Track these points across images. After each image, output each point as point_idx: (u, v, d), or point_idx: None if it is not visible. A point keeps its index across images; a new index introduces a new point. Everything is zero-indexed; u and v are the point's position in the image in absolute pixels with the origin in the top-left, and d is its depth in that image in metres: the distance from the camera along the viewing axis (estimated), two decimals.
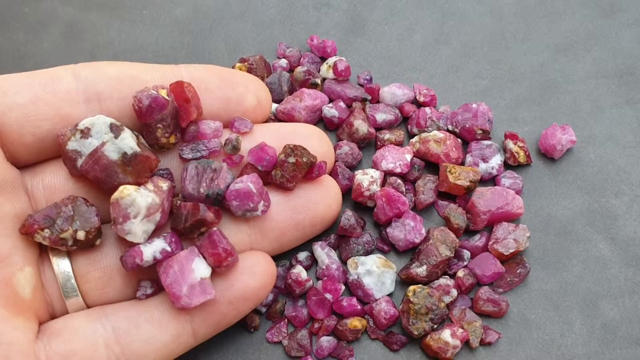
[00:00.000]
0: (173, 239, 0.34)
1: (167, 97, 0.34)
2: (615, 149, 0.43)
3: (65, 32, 0.49)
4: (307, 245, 0.41)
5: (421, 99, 0.44)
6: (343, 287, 0.39)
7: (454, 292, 0.38)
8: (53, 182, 0.35)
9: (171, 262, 0.33)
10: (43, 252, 0.35)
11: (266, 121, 0.40)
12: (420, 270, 0.38)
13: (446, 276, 0.39)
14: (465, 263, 0.39)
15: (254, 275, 0.35)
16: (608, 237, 0.41)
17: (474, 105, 0.43)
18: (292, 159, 0.36)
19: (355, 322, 0.38)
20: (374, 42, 0.48)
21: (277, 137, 0.37)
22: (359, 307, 0.39)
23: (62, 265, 0.34)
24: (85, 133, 0.33)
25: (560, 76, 0.46)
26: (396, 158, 0.41)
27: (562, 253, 0.40)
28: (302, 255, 0.40)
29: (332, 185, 0.38)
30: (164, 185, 0.34)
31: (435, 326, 0.37)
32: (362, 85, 0.45)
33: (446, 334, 0.37)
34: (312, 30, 0.48)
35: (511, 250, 0.39)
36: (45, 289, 0.34)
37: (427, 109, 0.43)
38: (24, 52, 0.48)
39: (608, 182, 0.42)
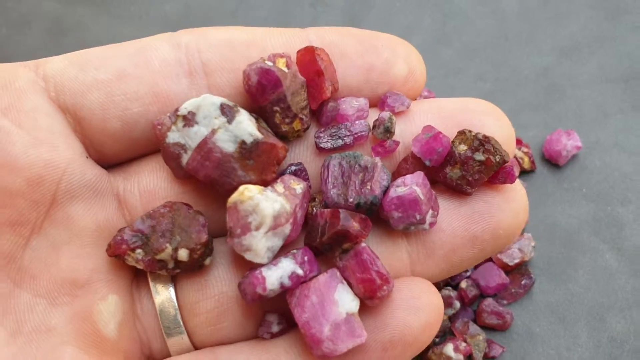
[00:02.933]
0: (306, 258, 0.25)
1: (284, 69, 0.25)
2: (622, 156, 0.42)
3: (50, 27, 0.47)
4: None
5: None
6: None
7: (457, 304, 0.37)
8: (153, 186, 0.27)
9: (307, 290, 0.24)
10: (140, 274, 0.27)
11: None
12: None
13: (448, 287, 0.37)
14: (468, 273, 0.38)
15: (416, 311, 0.25)
16: (614, 246, 0.39)
17: None
18: (480, 156, 0.26)
19: None
20: None
21: (440, 116, 0.27)
22: None
23: (163, 292, 0.26)
24: (189, 119, 0.25)
25: (565, 80, 0.44)
26: None
27: (567, 263, 0.39)
28: None
29: (517, 186, 0.27)
30: (298, 187, 0.25)
31: (437, 340, 0.36)
32: None
33: (449, 348, 0.35)
34: (307, 28, 0.46)
35: (516, 261, 0.38)
36: (140, 323, 0.27)
37: None
38: (6, 48, 0.46)
39: (614, 190, 0.41)
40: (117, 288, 0.26)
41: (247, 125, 0.25)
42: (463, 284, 0.37)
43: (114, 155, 0.27)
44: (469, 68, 0.45)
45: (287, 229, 0.24)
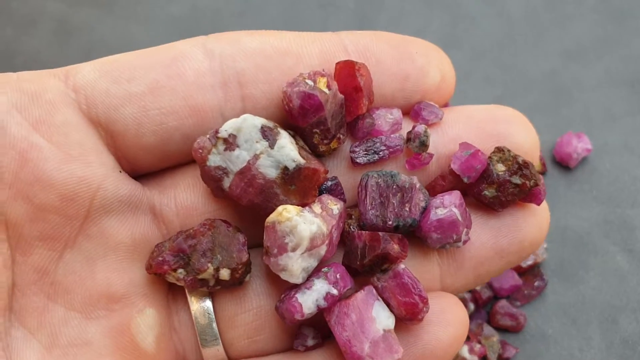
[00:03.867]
0: (338, 275, 0.25)
1: (326, 91, 0.25)
2: (631, 158, 0.42)
3: (56, 28, 0.47)
4: None
5: None
6: None
7: (471, 306, 0.37)
8: (190, 201, 0.26)
9: (347, 308, 0.24)
10: (176, 285, 0.27)
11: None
12: None
13: None
14: None
15: (446, 325, 0.26)
16: (625, 248, 0.40)
17: None
18: (517, 180, 0.26)
19: None
20: None
21: (470, 126, 0.27)
22: None
23: (200, 304, 0.26)
24: (230, 142, 0.25)
25: (572, 83, 0.45)
26: None
27: (579, 265, 0.39)
28: None
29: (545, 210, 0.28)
30: (335, 207, 0.25)
31: None
32: None
33: (464, 350, 0.35)
34: (317, 30, 0.46)
35: (529, 263, 0.38)
36: (177, 335, 0.27)
37: None
38: (12, 49, 0.46)
39: (624, 192, 0.41)
40: (154, 301, 0.26)
41: (289, 150, 0.25)
42: (477, 286, 0.37)
43: (147, 167, 0.27)
44: (477, 71, 0.45)
45: (322, 250, 0.25)
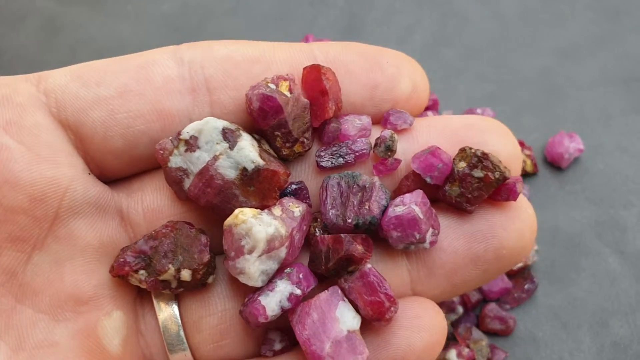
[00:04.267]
0: (301, 275, 0.25)
1: (286, 94, 0.25)
2: (624, 159, 0.41)
3: (44, 26, 0.46)
4: None
5: None
6: None
7: (459, 309, 0.36)
8: (156, 204, 0.26)
9: (309, 307, 0.24)
10: (144, 290, 0.27)
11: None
12: None
13: None
14: None
15: (419, 330, 0.25)
16: (617, 250, 0.39)
17: (479, 111, 0.41)
18: (478, 173, 0.25)
19: None
20: (372, 42, 0.45)
21: (444, 134, 0.27)
22: None
23: (166, 309, 0.26)
24: (191, 144, 0.25)
25: (566, 82, 0.44)
26: None
27: (570, 267, 0.39)
28: None
29: (524, 204, 0.27)
30: (297, 209, 0.25)
31: None
32: None
33: (452, 354, 0.35)
34: (307, 28, 0.46)
35: (519, 265, 0.37)
36: (143, 339, 0.27)
37: (430, 113, 0.41)
38: (0, 46, 0.45)
39: (617, 193, 0.40)
40: (121, 304, 0.26)
41: (248, 152, 0.25)
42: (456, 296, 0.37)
43: (115, 172, 0.27)
44: (470, 69, 0.45)
45: (282, 252, 0.24)
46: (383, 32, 0.46)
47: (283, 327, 0.26)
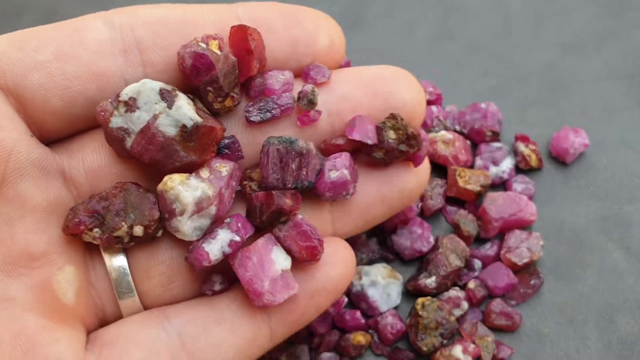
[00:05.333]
0: (239, 224, 0.28)
1: (217, 52, 0.27)
2: (629, 154, 0.41)
3: (41, 19, 0.46)
4: None
5: (427, 97, 0.41)
6: (346, 299, 0.36)
7: (465, 305, 0.36)
8: (97, 163, 0.28)
9: (249, 252, 0.28)
10: (92, 245, 0.29)
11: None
12: (430, 281, 0.36)
13: (456, 287, 0.36)
14: (476, 273, 0.37)
15: (337, 264, 0.30)
16: (623, 246, 0.39)
17: (483, 105, 0.40)
18: (404, 147, 0.30)
19: (359, 337, 0.35)
20: (375, 37, 0.45)
21: (358, 85, 0.30)
22: (362, 321, 0.36)
23: (116, 260, 0.29)
24: (131, 105, 0.27)
25: (570, 76, 0.44)
26: None
27: (575, 263, 0.38)
28: None
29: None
30: (224, 169, 0.28)
31: (445, 341, 0.35)
32: None
33: (457, 350, 0.34)
34: None
35: (525, 260, 0.37)
36: (94, 289, 0.29)
37: (434, 108, 0.40)
38: None
39: (622, 188, 0.40)
40: (72, 259, 0.28)
41: (187, 110, 0.27)
42: (471, 284, 0.36)
43: (55, 133, 0.28)
44: (473, 63, 0.44)
45: (212, 210, 0.28)
46: (386, 26, 0.45)
47: (223, 270, 0.29)
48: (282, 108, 0.30)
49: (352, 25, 0.45)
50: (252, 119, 0.29)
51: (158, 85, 0.27)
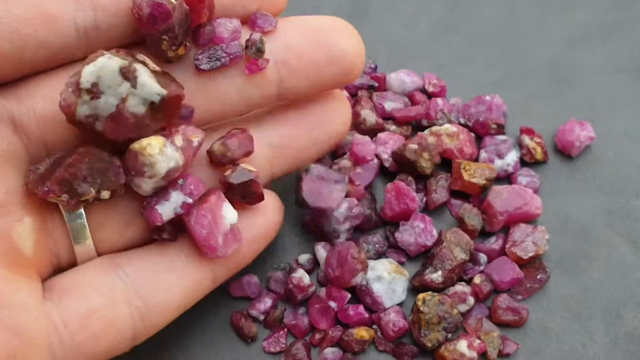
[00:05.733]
0: (192, 187, 0.30)
1: (172, 1, 0.27)
2: (635, 147, 0.41)
3: None
4: (308, 246, 0.38)
5: (430, 89, 0.41)
6: (349, 295, 0.36)
7: (471, 300, 0.35)
8: (49, 111, 0.28)
9: (203, 211, 0.30)
10: None
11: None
12: (435, 276, 0.35)
13: (462, 282, 0.36)
14: (481, 267, 0.36)
15: (269, 213, 0.33)
16: (629, 240, 0.38)
17: (488, 98, 0.40)
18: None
19: (362, 333, 0.35)
20: (378, 28, 0.45)
21: (302, 33, 0.32)
22: (366, 315, 0.35)
23: (73, 212, 0.30)
24: (94, 92, 0.27)
25: (575, 69, 0.43)
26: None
27: (581, 256, 0.38)
28: (304, 258, 0.37)
29: (344, 100, 0.35)
30: (196, 140, 0.29)
31: (449, 335, 0.34)
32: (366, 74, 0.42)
33: (462, 345, 0.34)
34: (310, 12, 0.45)
35: (530, 254, 0.36)
36: (50, 237, 0.30)
37: (439, 100, 0.40)
38: None
39: (628, 182, 0.40)
40: (30, 209, 0.28)
41: (151, 85, 0.27)
42: (477, 279, 0.36)
43: (4, 76, 0.28)
44: (477, 56, 0.44)
45: (174, 175, 0.29)
46: (389, 18, 0.45)
47: (173, 221, 0.30)
48: (232, 56, 0.30)
49: (354, 17, 0.45)
50: (202, 67, 0.30)
51: (117, 64, 0.27)
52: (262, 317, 0.36)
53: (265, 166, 0.33)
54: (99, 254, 0.31)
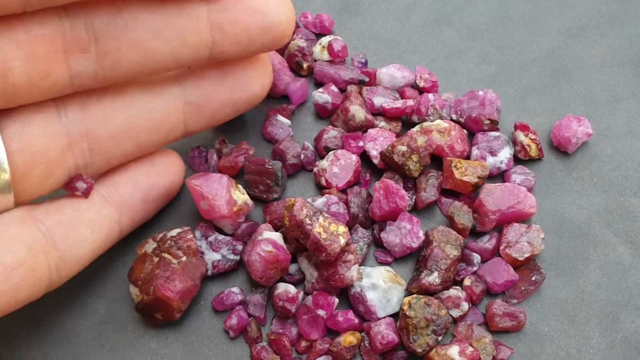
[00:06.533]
0: None
1: None
2: (635, 143, 0.39)
3: None
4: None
5: (421, 84, 0.40)
6: (336, 301, 0.34)
7: (465, 306, 0.34)
8: None
9: None
10: None
11: None
12: (432, 278, 0.34)
13: (457, 287, 0.34)
14: (475, 268, 0.35)
15: (173, 174, 0.36)
16: (628, 240, 0.37)
17: (481, 93, 0.38)
18: None
19: (350, 338, 0.33)
20: (369, 22, 0.43)
21: (239, 1, 0.32)
22: (356, 321, 0.34)
23: None
24: None
25: (573, 63, 0.42)
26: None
27: (577, 258, 0.36)
28: (292, 268, 0.35)
29: (266, 62, 0.36)
30: None
31: (439, 338, 0.33)
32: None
33: (454, 351, 0.32)
34: (301, 7, 0.43)
35: (526, 255, 0.35)
36: None
37: (431, 96, 0.38)
38: None
39: (627, 180, 0.38)
40: None
41: None
42: (467, 281, 0.34)
43: None
44: (472, 50, 0.42)
45: None
46: (380, 11, 0.43)
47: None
48: None
49: (345, 9, 0.43)
50: None
51: None
52: (233, 334, 0.35)
53: (177, 124, 0.34)
54: (17, 205, 0.31)
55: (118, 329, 0.35)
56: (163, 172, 0.35)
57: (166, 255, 0.33)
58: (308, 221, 0.32)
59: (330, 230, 0.32)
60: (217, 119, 0.36)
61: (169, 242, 0.34)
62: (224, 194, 0.34)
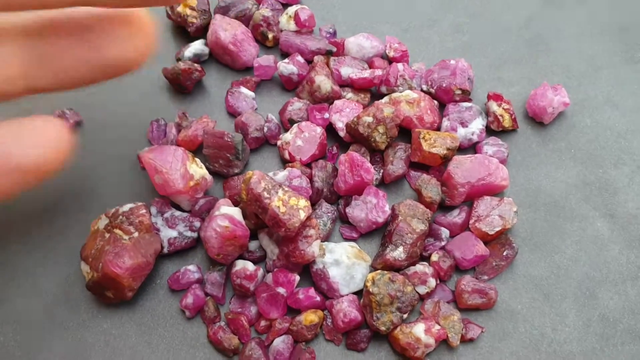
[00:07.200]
0: None
1: None
2: (614, 113, 0.37)
3: None
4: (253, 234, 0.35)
5: (391, 54, 0.38)
6: (297, 278, 0.33)
7: (432, 282, 0.32)
8: None
9: None
10: None
11: None
12: (397, 253, 0.32)
13: (424, 263, 0.33)
14: (443, 243, 0.33)
15: (39, 146, 0.28)
16: (607, 213, 0.35)
17: (452, 62, 0.37)
18: None
19: (311, 317, 0.32)
20: None
21: None
22: (318, 299, 0.32)
23: None
24: None
25: (550, 32, 0.40)
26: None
27: (553, 232, 0.35)
28: (253, 245, 0.34)
29: (142, 25, 0.31)
30: None
31: (404, 316, 0.31)
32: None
33: (419, 329, 0.31)
34: None
35: (497, 229, 0.33)
36: None
37: (400, 65, 0.36)
38: None
39: (606, 151, 0.36)
40: None
41: None
42: (434, 257, 0.33)
43: None
44: (445, 19, 0.40)
45: None
46: None
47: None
48: None
49: None
50: None
51: None
52: (189, 314, 0.33)
53: (15, 74, 0.30)
54: None
55: (71, 308, 0.33)
56: (44, 141, 0.28)
57: (117, 231, 0.32)
58: (266, 194, 0.31)
59: (290, 204, 0.31)
60: (69, 79, 0.31)
61: (120, 217, 0.32)
62: (178, 167, 0.32)
